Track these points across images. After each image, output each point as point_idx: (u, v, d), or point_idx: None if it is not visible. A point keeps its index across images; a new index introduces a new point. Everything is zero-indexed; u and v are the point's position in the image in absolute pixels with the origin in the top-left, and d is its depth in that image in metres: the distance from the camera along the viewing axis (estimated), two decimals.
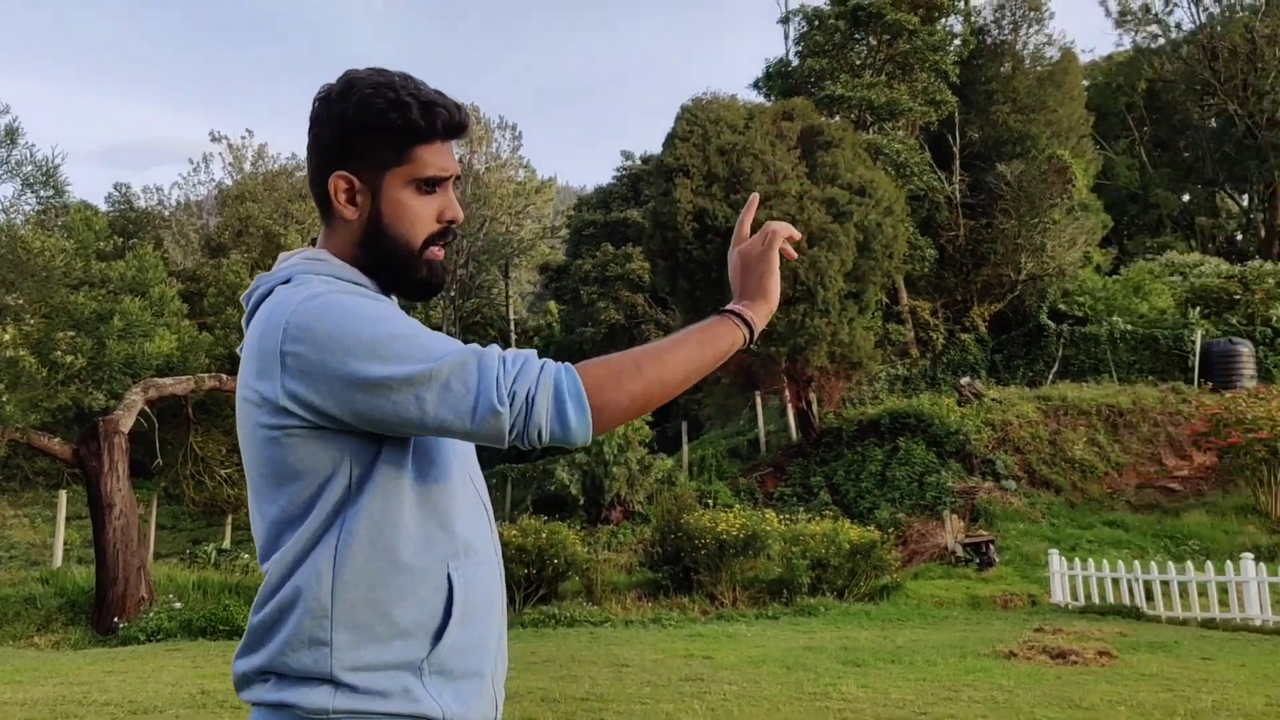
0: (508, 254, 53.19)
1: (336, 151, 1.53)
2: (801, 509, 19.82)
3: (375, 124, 1.50)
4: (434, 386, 1.38)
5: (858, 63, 28.47)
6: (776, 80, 29.46)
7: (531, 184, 55.74)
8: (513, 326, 54.11)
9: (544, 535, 14.92)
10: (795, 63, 29.39)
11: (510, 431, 1.40)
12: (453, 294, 51.20)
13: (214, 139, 41.97)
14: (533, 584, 14.90)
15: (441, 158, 1.56)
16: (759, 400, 24.96)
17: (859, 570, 15.28)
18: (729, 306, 1.61)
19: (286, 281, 1.50)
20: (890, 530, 18.68)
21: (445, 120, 1.55)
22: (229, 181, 43.99)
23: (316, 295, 1.44)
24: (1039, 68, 30.17)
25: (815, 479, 22.39)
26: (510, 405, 1.39)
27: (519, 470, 33.29)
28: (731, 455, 25.18)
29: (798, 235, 1.66)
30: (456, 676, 1.47)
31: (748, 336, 1.58)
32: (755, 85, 30.71)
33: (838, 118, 27.12)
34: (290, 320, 1.41)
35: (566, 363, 1.47)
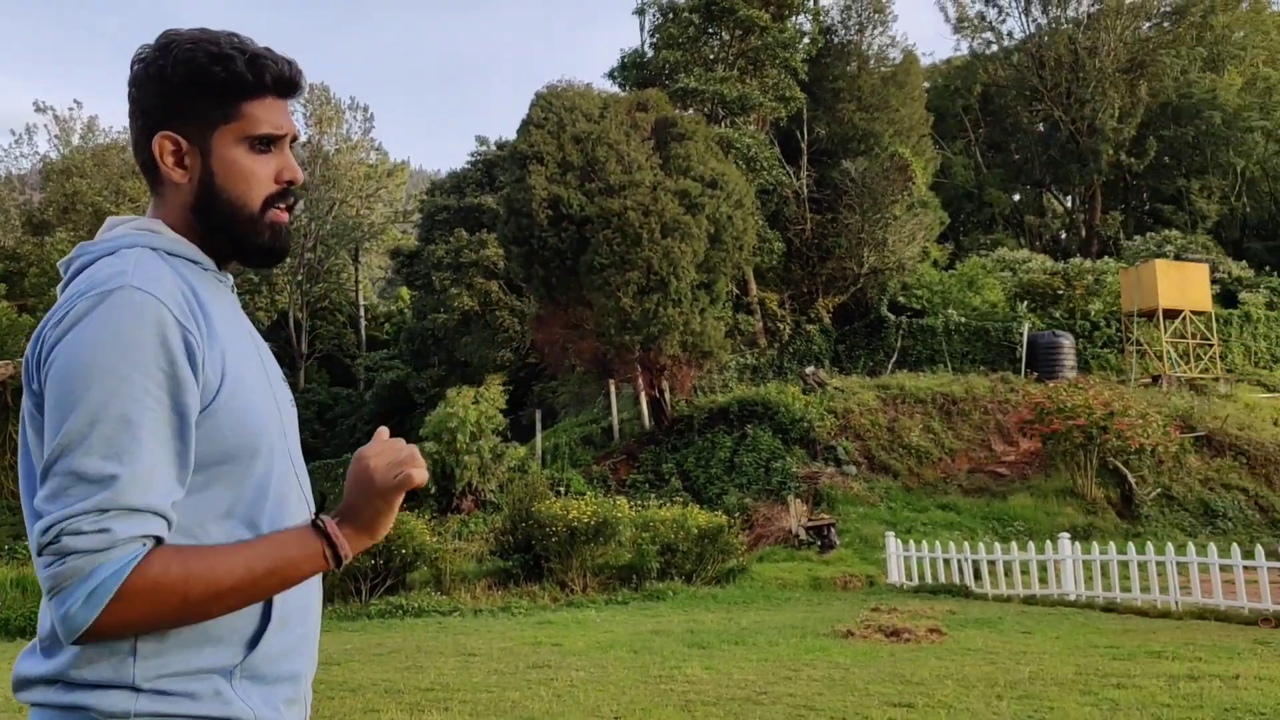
0: (358, 238, 51.85)
1: (159, 112, 1.44)
2: (653, 496, 20.10)
3: (198, 79, 1.42)
4: (76, 487, 1.24)
5: (711, 57, 28.92)
6: (632, 71, 29.65)
7: (383, 167, 54.51)
8: (363, 312, 52.85)
9: (391, 525, 14.67)
10: (650, 54, 29.63)
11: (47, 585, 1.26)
12: (300, 278, 49.63)
13: (38, 109, 39.48)
14: (379, 575, 14.65)
15: (274, 114, 1.47)
16: (613, 388, 25.14)
17: (707, 555, 15.61)
18: (328, 528, 1.42)
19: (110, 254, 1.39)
20: (737, 515, 19.13)
21: (275, 74, 1.46)
22: (55, 155, 41.43)
23: (96, 298, 1.31)
24: (883, 68, 31.30)
25: (667, 466, 22.73)
26: (54, 553, 1.24)
27: None
28: (585, 443, 25.29)
29: (422, 481, 1.48)
30: (269, 680, 1.41)
31: (333, 568, 1.43)
32: (611, 75, 30.84)
33: (691, 110, 27.52)
34: (50, 335, 1.32)
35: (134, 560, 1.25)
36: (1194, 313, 27.19)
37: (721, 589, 15.32)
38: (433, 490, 20.87)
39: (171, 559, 1.27)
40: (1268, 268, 35.23)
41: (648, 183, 21.70)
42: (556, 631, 11.59)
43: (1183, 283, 26.92)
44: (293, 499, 1.48)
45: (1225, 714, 6.37)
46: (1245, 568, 11.69)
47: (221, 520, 1.37)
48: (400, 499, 1.48)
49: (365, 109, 52.21)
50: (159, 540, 1.28)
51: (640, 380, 23.71)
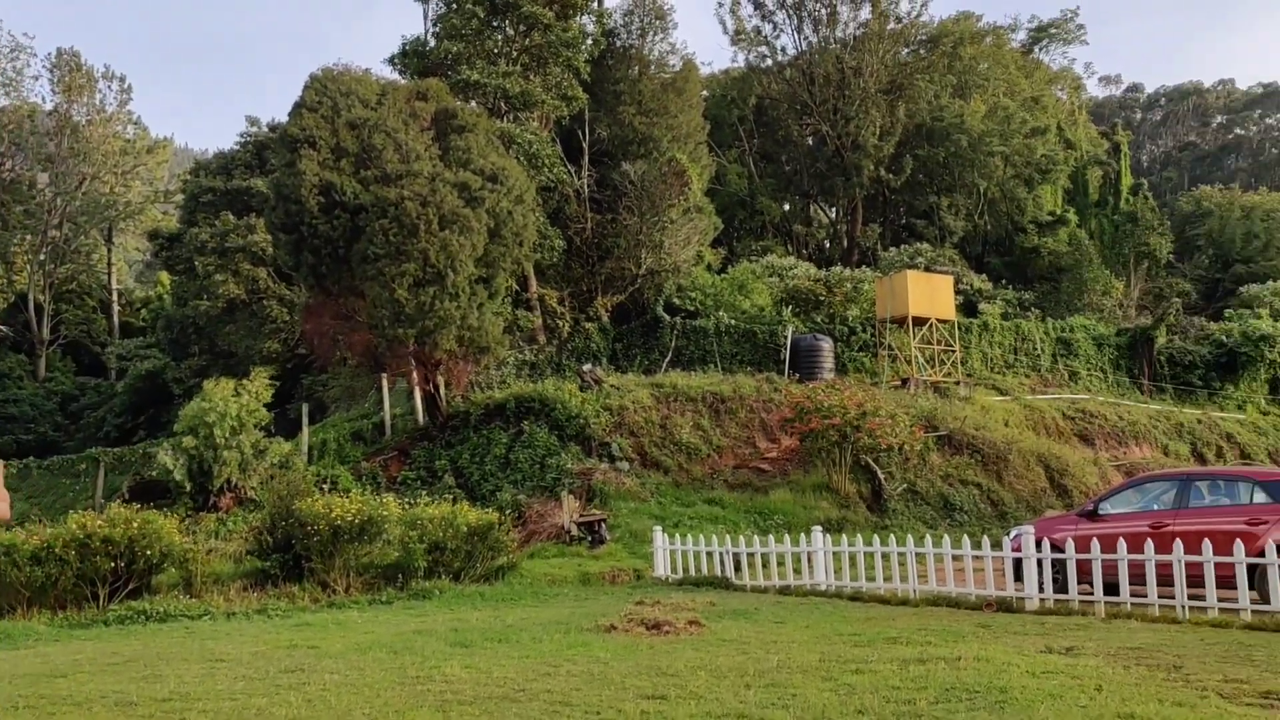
0: (111, 217, 48.25)
1: None
2: (425, 493, 19.75)
3: None
4: None
5: (495, 50, 28.72)
6: (413, 59, 29.03)
7: (143, 142, 51.01)
8: (116, 297, 49.20)
9: (135, 525, 13.75)
10: (433, 44, 29.10)
11: None
12: (42, 258, 45.67)
13: None
14: (120, 578, 13.69)
15: None
16: (385, 383, 24.53)
17: (476, 552, 15.50)
18: None
19: None
20: (510, 512, 19.09)
21: None
22: None
23: None
24: (663, 74, 32.03)
25: (440, 462, 22.40)
26: None
27: (115, 454, 30.40)
28: (355, 439, 24.54)
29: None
30: None
31: None
32: (391, 62, 30.09)
33: (473, 103, 27.23)
34: None
35: None
36: (940, 321, 29.34)
37: (490, 587, 15.25)
38: (188, 487, 19.72)
39: None
40: (1004, 281, 38.53)
41: (426, 173, 21.29)
42: (314, 634, 11.20)
43: (931, 293, 29.00)
44: None
45: (946, 693, 6.90)
46: (974, 557, 12.72)
47: None
48: None
49: (122, 79, 48.56)
50: None
51: (415, 375, 23.25)
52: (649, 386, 24.88)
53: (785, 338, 27.98)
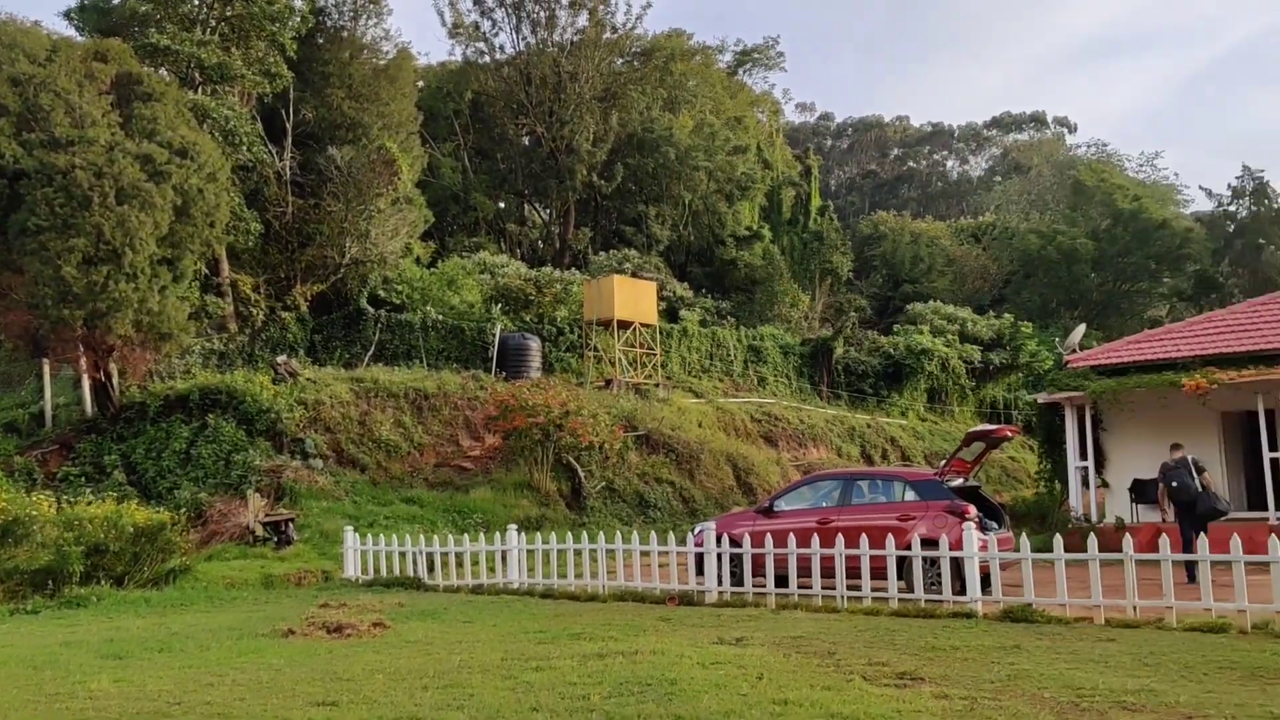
0: None
1: None
2: (90, 490, 18.00)
3: None
4: None
5: (190, 16, 26.67)
6: (93, 15, 26.45)
7: None
8: None
9: None
10: (118, 1, 26.63)
11: None
12: None
13: None
14: None
15: None
16: (47, 369, 22.17)
17: (144, 555, 14.32)
18: None
19: None
20: (188, 511, 17.80)
21: None
22: None
23: None
24: (376, 60, 31.05)
25: (110, 457, 20.53)
26: None
27: None
28: (9, 430, 22.03)
29: None
30: None
31: None
32: (68, 16, 27.27)
33: (163, 71, 25.19)
34: None
35: None
36: (643, 325, 30.32)
37: (159, 592, 14.12)
38: None
39: None
40: (704, 290, 40.43)
41: (104, 141, 19.45)
42: None
43: (636, 298, 29.91)
44: None
45: (620, 686, 7.09)
46: (660, 553, 13.21)
47: None
48: None
49: None
50: None
51: (83, 361, 21.17)
52: (349, 381, 24.01)
53: (494, 335, 27.90)
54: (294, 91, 28.50)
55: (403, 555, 15.32)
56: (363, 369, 25.27)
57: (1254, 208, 49.66)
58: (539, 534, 14.85)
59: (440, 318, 28.30)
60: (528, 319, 30.27)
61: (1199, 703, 6.33)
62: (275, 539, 17.38)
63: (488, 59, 42.21)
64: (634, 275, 33.57)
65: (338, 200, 27.23)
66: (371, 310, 27.79)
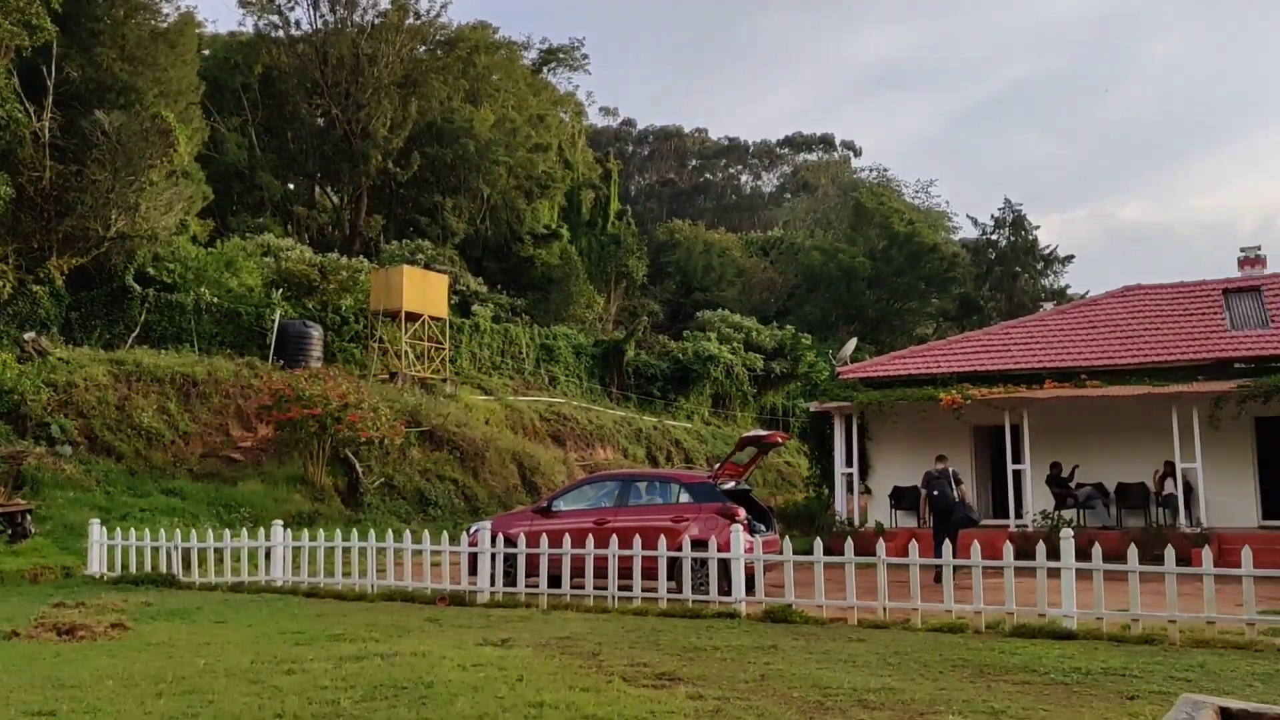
0: None
1: None
2: None
3: None
4: None
5: None
6: None
7: None
8: None
9: None
10: None
11: None
12: None
13: None
14: None
15: None
16: None
17: None
18: None
19: None
20: None
21: None
22: None
23: None
24: (154, 21, 29.02)
25: None
26: None
27: None
28: None
29: None
30: None
31: None
32: None
33: None
34: None
35: None
36: (433, 318, 29.73)
37: None
38: None
39: None
40: (499, 286, 40.06)
41: None
42: None
43: (426, 290, 29.28)
44: None
45: (374, 690, 6.83)
46: (433, 552, 12.93)
47: None
48: None
49: None
50: None
51: None
52: (108, 363, 22.33)
53: (273, 322, 26.64)
54: (58, 47, 26.22)
55: (155, 550, 14.34)
56: (124, 350, 23.56)
57: (1012, 238, 53.75)
58: (306, 531, 14.22)
59: (216, 300, 26.76)
60: (311, 306, 29.08)
61: (932, 699, 6.71)
62: (9, 531, 15.90)
63: (281, 33, 40.36)
64: (427, 267, 32.86)
65: (104, 168, 25.21)
66: (138, 288, 25.94)
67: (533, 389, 34.25)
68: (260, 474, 21.70)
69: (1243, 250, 23.85)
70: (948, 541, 11.21)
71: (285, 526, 14.09)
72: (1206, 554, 9.61)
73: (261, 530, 14.13)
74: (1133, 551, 9.78)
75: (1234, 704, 5.26)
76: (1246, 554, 9.39)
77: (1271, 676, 7.57)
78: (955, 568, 10.63)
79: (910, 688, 7.07)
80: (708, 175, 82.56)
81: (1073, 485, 20.14)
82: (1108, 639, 9.39)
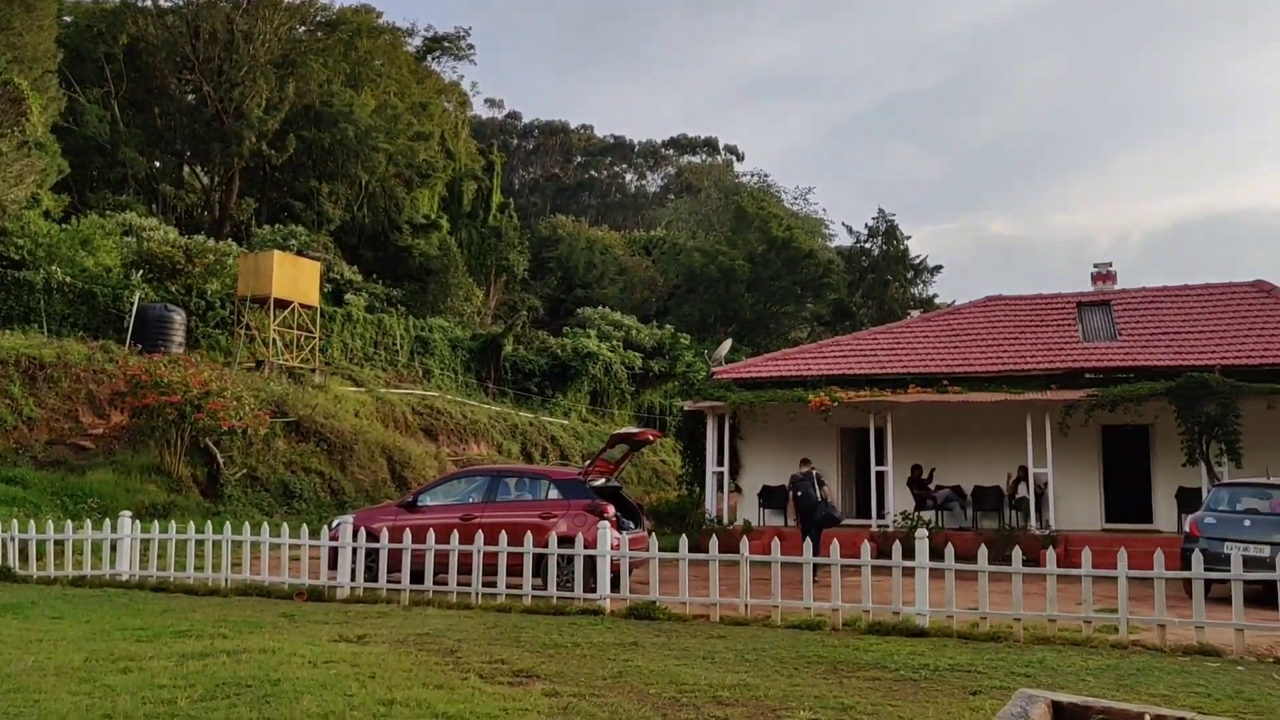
0: None
1: None
2: None
3: None
4: None
5: None
6: None
7: None
8: None
9: None
10: None
11: None
12: None
13: None
14: None
15: None
16: None
17: None
18: None
19: None
20: None
21: None
22: None
23: None
24: None
25: None
26: None
27: None
28: None
29: None
30: None
31: None
32: None
33: None
34: None
35: None
36: (303, 306, 28.85)
37: None
38: None
39: None
40: (375, 276, 39.20)
41: None
42: None
43: (297, 276, 28.41)
44: None
45: (216, 689, 6.55)
46: (293, 546, 12.52)
47: None
48: None
49: None
50: None
51: None
52: None
53: (132, 304, 25.43)
54: None
55: None
56: None
57: (884, 247, 55.35)
58: (157, 522, 13.61)
59: (69, 279, 25.41)
60: (174, 290, 27.89)
61: (785, 696, 6.80)
62: None
63: (150, 3, 38.63)
64: (299, 253, 31.88)
65: None
66: None
67: (406, 381, 33.62)
68: (112, 463, 20.71)
69: (1096, 266, 25.07)
70: (809, 540, 11.42)
71: (136, 518, 13.47)
72: (1051, 555, 10.02)
73: (108, 521, 13.45)
74: (983, 552, 10.13)
75: (1065, 698, 5.47)
76: (1086, 555, 9.83)
77: (1104, 671, 7.93)
78: (816, 566, 10.83)
79: (765, 684, 7.15)
80: (592, 172, 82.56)
81: (932, 487, 20.82)
82: (957, 636, 9.70)
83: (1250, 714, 6.48)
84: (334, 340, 31.93)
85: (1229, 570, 9.39)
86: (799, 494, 16.61)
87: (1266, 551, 12.16)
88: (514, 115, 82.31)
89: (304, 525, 13.17)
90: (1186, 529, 14.25)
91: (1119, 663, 8.38)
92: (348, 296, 34.40)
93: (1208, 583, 9.68)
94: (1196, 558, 9.78)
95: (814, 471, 16.85)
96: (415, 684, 6.80)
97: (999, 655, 8.61)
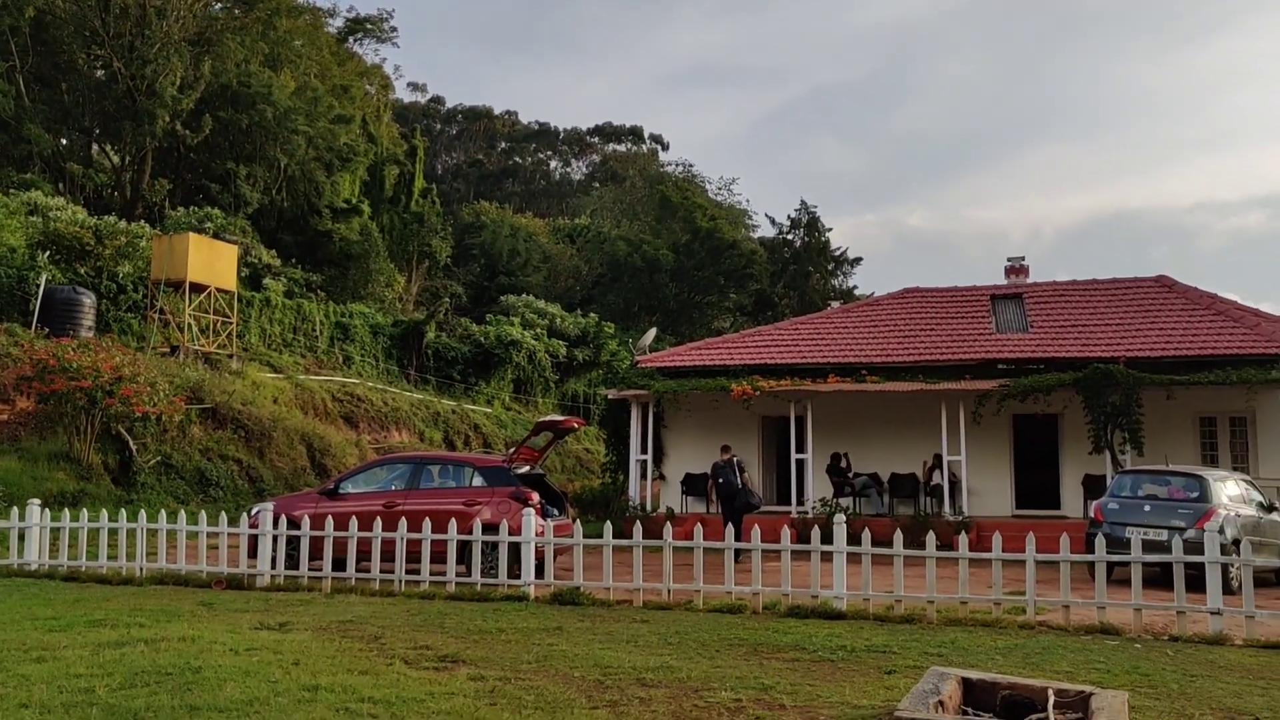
0: None
1: None
2: None
3: None
4: None
5: None
6: None
7: None
8: None
9: None
10: None
11: None
12: None
13: None
14: None
15: None
16: None
17: None
18: None
19: None
20: None
21: None
22: None
23: None
24: None
25: None
26: None
27: None
28: None
29: None
30: None
31: None
32: None
33: None
34: None
35: None
36: (220, 290, 28.24)
37: None
38: None
39: None
40: (295, 260, 38.50)
41: None
42: None
43: (213, 260, 27.79)
44: None
45: (135, 677, 6.47)
46: (210, 534, 12.32)
47: None
48: None
49: None
50: None
51: None
52: None
53: (38, 287, 24.62)
54: None
55: None
56: None
57: (806, 238, 56.09)
58: (65, 511, 13.27)
59: None
60: (84, 272, 27.07)
61: (707, 677, 6.95)
62: None
63: None
64: (216, 236, 31.15)
65: None
66: None
67: (326, 368, 33.14)
68: (18, 450, 20.09)
69: (1009, 260, 25.80)
70: (731, 526, 11.62)
71: (44, 506, 13.10)
72: (963, 540, 10.36)
73: (15, 509, 13.07)
74: (898, 537, 10.44)
75: (974, 675, 5.73)
76: (997, 540, 10.19)
77: (1012, 650, 8.26)
78: (737, 551, 11.04)
79: (687, 666, 7.30)
80: (517, 159, 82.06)
81: (850, 475, 21.28)
82: (873, 618, 9.98)
83: (1144, 687, 6.83)
84: (252, 326, 31.32)
85: (1130, 553, 9.82)
86: (720, 481, 16.92)
87: (1164, 535, 12.71)
88: (437, 100, 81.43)
89: (223, 513, 12.97)
90: (1091, 514, 14.82)
91: (1026, 642, 8.72)
92: (266, 281, 33.75)
93: (1111, 565, 10.11)
94: (1099, 542, 10.21)
95: (735, 459, 17.13)
96: (340, 670, 6.80)
97: (913, 636, 8.90)
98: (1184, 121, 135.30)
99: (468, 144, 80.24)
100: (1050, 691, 5.33)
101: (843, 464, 21.41)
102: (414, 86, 78.08)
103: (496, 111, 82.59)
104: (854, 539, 10.63)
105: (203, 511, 12.92)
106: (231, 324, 28.76)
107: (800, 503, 20.35)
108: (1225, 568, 9.98)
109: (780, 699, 6.26)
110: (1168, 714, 5.96)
